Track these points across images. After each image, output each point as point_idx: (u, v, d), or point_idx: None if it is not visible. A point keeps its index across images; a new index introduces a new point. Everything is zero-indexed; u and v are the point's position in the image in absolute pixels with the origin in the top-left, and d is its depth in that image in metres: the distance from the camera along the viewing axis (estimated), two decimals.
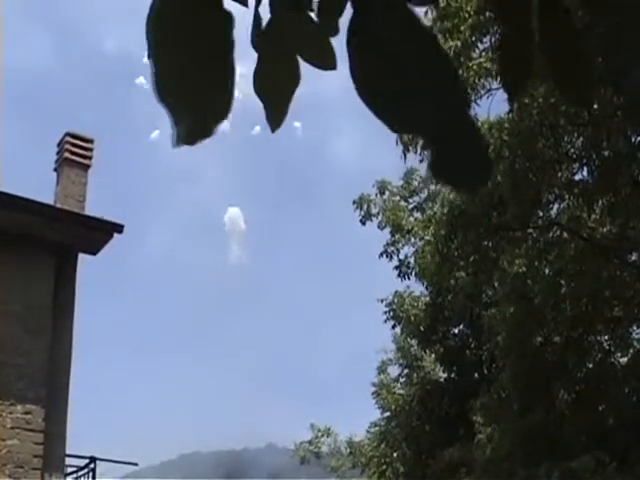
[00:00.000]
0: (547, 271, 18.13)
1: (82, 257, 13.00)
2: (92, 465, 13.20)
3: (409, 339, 25.41)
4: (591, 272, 16.94)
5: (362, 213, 23.75)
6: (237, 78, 1.54)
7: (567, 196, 16.74)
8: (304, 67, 1.74)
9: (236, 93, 1.55)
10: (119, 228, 12.86)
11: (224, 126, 1.61)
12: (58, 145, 13.89)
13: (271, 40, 1.71)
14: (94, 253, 13.05)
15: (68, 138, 13.76)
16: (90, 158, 13.87)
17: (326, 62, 1.82)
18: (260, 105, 1.75)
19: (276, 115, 1.74)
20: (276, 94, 1.73)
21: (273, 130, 1.75)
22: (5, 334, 11.44)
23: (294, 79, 1.73)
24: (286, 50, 1.72)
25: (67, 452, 12.06)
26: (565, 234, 17.88)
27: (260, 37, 1.71)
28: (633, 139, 16.17)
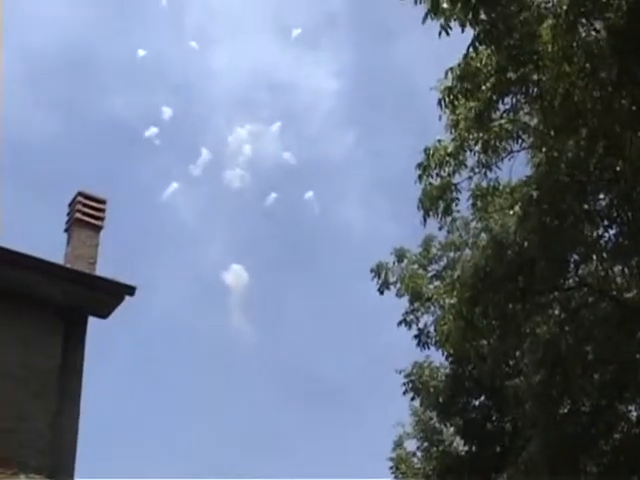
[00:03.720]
0: (574, 336, 17.49)
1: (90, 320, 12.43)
2: None
3: (428, 411, 24.74)
4: (621, 336, 16.31)
5: (380, 281, 23.18)
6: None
7: (595, 256, 16.18)
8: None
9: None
10: (131, 290, 12.31)
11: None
12: (69, 205, 13.42)
13: None
14: (104, 316, 12.48)
15: (80, 198, 13.28)
16: (102, 219, 13.39)
17: None
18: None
19: None
20: None
21: None
22: (7, 399, 10.79)
23: None
24: None
25: None
26: (592, 297, 17.28)
27: None
28: None
